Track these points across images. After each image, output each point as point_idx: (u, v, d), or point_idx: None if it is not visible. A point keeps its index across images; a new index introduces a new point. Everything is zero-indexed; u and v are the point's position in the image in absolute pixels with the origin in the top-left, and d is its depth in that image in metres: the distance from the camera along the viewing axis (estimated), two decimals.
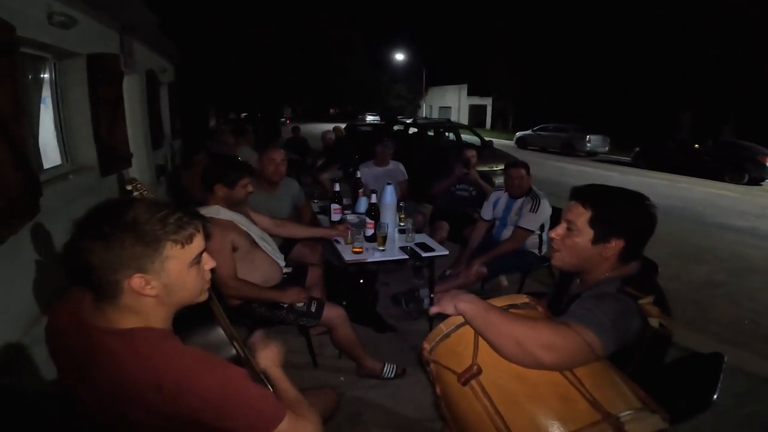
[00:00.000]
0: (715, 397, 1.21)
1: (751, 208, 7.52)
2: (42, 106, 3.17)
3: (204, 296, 0.97)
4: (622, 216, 1.16)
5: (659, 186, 9.54)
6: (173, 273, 0.87)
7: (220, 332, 1.06)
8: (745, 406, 2.27)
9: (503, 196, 3.22)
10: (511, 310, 1.10)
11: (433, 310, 1.10)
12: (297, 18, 18.17)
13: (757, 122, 15.27)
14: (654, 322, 1.05)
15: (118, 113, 4.01)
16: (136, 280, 0.83)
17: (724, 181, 10.28)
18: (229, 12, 15.59)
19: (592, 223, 1.17)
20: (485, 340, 1.02)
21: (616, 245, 1.16)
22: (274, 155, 2.82)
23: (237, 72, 16.53)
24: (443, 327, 1.10)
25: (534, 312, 1.14)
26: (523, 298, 1.17)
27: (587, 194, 1.21)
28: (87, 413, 0.91)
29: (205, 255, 0.94)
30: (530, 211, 2.96)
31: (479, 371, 1.00)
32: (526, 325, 0.99)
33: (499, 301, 1.14)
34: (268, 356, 1.10)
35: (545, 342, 0.95)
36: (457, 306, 1.05)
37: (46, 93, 3.21)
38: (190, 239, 0.88)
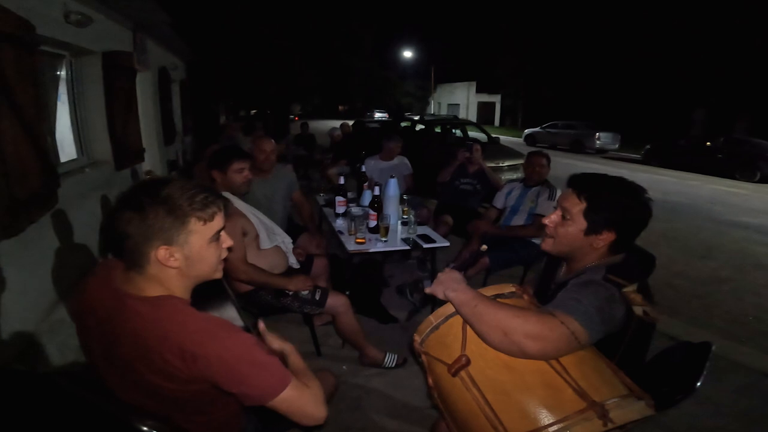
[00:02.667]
0: (698, 384, 1.20)
1: (761, 206, 7.44)
2: (58, 102, 3.28)
3: (219, 274, 1.05)
4: (616, 209, 1.16)
5: (669, 183, 9.45)
6: (195, 247, 0.95)
7: (231, 308, 1.14)
8: (744, 400, 2.29)
9: (517, 186, 3.28)
10: (498, 300, 1.12)
11: (428, 289, 1.13)
12: (304, 16, 18.27)
13: None
14: (638, 310, 1.06)
15: (131, 109, 4.12)
16: (162, 252, 0.92)
17: (736, 178, 10.15)
18: (238, 10, 15.73)
19: (586, 214, 1.17)
20: (472, 329, 1.03)
21: (607, 237, 1.17)
22: (264, 146, 2.85)
23: (246, 69, 16.68)
24: (432, 319, 1.12)
25: (520, 301, 1.16)
26: (510, 288, 1.18)
27: (584, 185, 1.21)
28: (111, 384, 0.99)
29: (223, 234, 1.02)
30: (547, 198, 3.00)
31: (468, 362, 1.02)
32: (513, 314, 1.00)
33: (487, 291, 1.15)
34: (275, 337, 1.16)
35: (531, 332, 0.96)
36: (447, 293, 1.06)
37: (63, 89, 3.32)
38: (212, 217, 0.97)
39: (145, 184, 0.96)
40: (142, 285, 0.95)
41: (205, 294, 1.09)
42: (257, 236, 2.20)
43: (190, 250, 0.95)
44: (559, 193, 2.99)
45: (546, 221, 1.27)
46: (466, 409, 1.01)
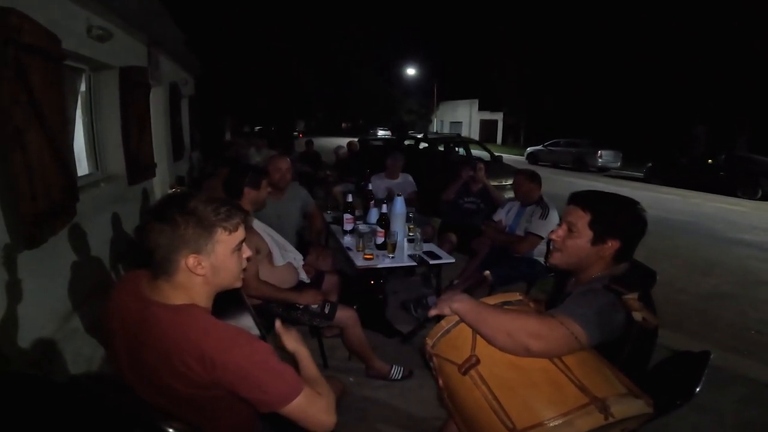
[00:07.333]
0: (698, 389, 1.25)
1: (761, 223, 7.48)
2: (76, 115, 3.37)
3: (239, 282, 1.12)
4: (619, 219, 1.26)
5: (671, 201, 9.50)
6: (220, 255, 1.03)
7: (248, 317, 1.20)
8: (746, 410, 2.33)
9: (516, 205, 3.35)
10: (505, 307, 1.20)
11: (432, 312, 1.21)
12: (301, 18, 18.47)
13: None
14: (637, 316, 1.13)
15: (144, 124, 4.21)
16: (191, 260, 0.99)
17: (737, 196, 10.20)
18: (234, 12, 15.98)
19: (592, 225, 1.26)
20: (479, 334, 1.11)
21: (612, 246, 1.25)
22: (279, 164, 2.93)
23: (245, 74, 16.85)
24: (444, 323, 1.20)
25: (526, 308, 1.24)
26: (517, 296, 1.27)
27: (586, 199, 1.31)
28: (137, 390, 1.04)
29: (244, 245, 1.10)
30: (539, 218, 3.06)
31: (478, 361, 1.09)
32: (515, 317, 1.10)
33: (494, 299, 1.24)
34: (294, 337, 1.23)
35: (532, 331, 1.05)
36: (451, 306, 1.15)
37: (80, 103, 3.40)
38: (236, 228, 1.04)
39: (172, 198, 1.04)
40: (168, 293, 1.01)
41: (225, 304, 1.16)
42: (270, 253, 2.27)
43: (216, 259, 1.02)
44: (552, 213, 3.06)
45: (553, 236, 1.35)
46: (476, 405, 1.07)
